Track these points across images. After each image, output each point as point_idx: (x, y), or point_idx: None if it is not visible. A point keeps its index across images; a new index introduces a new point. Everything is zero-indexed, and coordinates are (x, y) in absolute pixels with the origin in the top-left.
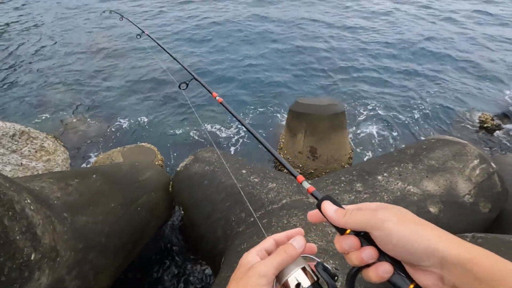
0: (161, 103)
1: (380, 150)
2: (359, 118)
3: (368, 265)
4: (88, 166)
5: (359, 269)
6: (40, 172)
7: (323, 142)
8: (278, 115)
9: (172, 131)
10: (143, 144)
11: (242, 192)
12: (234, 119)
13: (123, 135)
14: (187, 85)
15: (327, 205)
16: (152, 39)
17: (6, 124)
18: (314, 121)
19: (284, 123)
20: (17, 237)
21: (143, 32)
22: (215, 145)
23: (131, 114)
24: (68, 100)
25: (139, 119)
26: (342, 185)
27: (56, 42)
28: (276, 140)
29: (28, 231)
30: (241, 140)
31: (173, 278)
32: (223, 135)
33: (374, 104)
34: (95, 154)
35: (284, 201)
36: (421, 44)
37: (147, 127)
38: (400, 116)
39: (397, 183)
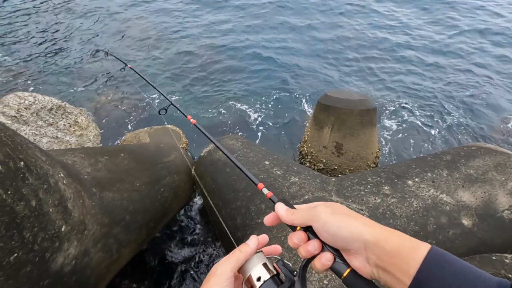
0: (191, 85)
1: (411, 152)
2: (390, 116)
3: (314, 257)
4: (116, 143)
5: (308, 260)
6: (73, 146)
7: (350, 138)
8: (305, 105)
9: (199, 115)
10: (169, 126)
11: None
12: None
13: (151, 115)
14: (166, 110)
15: (279, 206)
16: (135, 71)
17: (45, 98)
18: (342, 115)
19: (310, 114)
20: (50, 210)
21: (126, 65)
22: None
23: (160, 95)
24: (102, 79)
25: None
26: (369, 186)
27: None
28: (300, 132)
29: (60, 204)
30: (264, 131)
31: (189, 259)
32: (250, 120)
33: (407, 102)
34: (124, 132)
35: (306, 197)
36: (471, 39)
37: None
38: (436, 117)
39: (429, 190)
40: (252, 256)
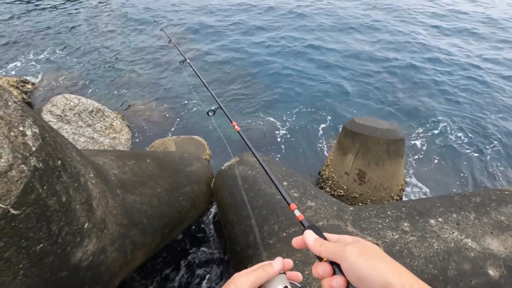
0: (227, 101)
1: (437, 189)
2: (419, 148)
3: None
4: (145, 149)
5: None
6: (105, 148)
7: (374, 167)
8: (333, 128)
9: (227, 130)
10: (195, 136)
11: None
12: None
13: (181, 124)
14: (214, 112)
15: (308, 234)
16: (192, 67)
17: (87, 101)
18: (368, 143)
19: (332, 138)
20: (77, 207)
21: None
22: (262, 151)
23: (191, 106)
24: (140, 86)
25: (197, 112)
26: (387, 220)
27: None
28: (321, 153)
29: (87, 202)
30: (288, 148)
31: (197, 268)
32: (275, 134)
33: (439, 134)
34: (153, 138)
35: (320, 223)
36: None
37: (203, 121)
38: (469, 155)
39: (453, 232)
40: (275, 277)
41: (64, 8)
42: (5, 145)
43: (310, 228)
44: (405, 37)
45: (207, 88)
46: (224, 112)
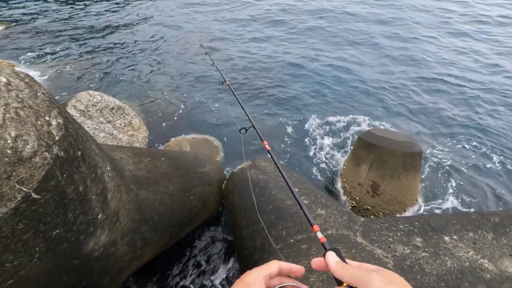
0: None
1: (454, 205)
2: (438, 162)
3: None
4: (160, 148)
5: None
6: (123, 144)
7: (389, 180)
8: (350, 138)
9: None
10: (210, 138)
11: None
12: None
13: (197, 125)
14: (246, 130)
15: (330, 256)
16: (230, 89)
17: (110, 98)
18: (383, 155)
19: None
20: (93, 197)
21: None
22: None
23: (209, 109)
24: (162, 85)
25: (216, 116)
26: (399, 234)
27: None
28: (335, 161)
29: (102, 194)
30: (303, 153)
31: (202, 270)
32: (289, 138)
33: (460, 148)
34: (169, 138)
35: (329, 232)
36: None
37: (220, 123)
38: (491, 171)
39: (468, 251)
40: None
41: (100, 11)
42: (31, 133)
43: (332, 250)
44: (436, 47)
45: (242, 107)
46: (257, 131)
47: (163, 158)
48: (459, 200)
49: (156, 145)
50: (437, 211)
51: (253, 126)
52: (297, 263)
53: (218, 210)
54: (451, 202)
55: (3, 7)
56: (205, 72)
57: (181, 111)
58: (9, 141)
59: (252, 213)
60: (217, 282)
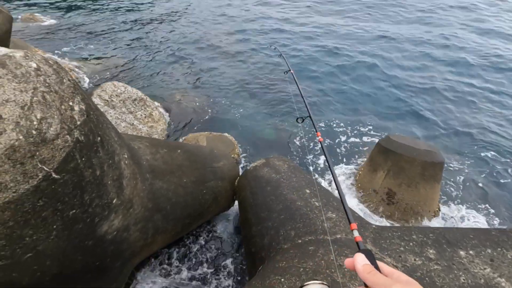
0: (266, 109)
1: (474, 220)
2: (460, 173)
3: None
4: (177, 140)
5: None
6: (143, 134)
7: (406, 189)
8: (368, 143)
9: (259, 134)
10: (227, 134)
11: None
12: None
13: (215, 121)
14: (303, 120)
15: (359, 258)
16: (294, 79)
17: (133, 90)
18: (402, 162)
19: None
20: (109, 182)
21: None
22: (289, 156)
23: (230, 108)
24: (184, 80)
25: (235, 113)
26: (411, 244)
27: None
28: (351, 164)
29: (118, 180)
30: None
31: (209, 263)
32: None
33: (485, 161)
34: (186, 132)
35: (338, 236)
36: None
37: (238, 120)
38: None
39: (485, 268)
40: None
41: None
42: (55, 116)
43: (363, 253)
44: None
45: (302, 98)
46: (312, 122)
47: (179, 151)
48: (480, 215)
49: (174, 138)
50: (454, 224)
51: (310, 117)
52: (303, 264)
53: (229, 206)
54: (470, 216)
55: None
56: (228, 72)
57: (202, 108)
58: (35, 123)
59: (262, 211)
60: (223, 275)
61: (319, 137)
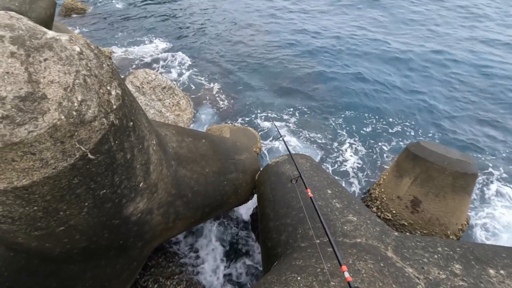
0: (294, 107)
1: (507, 238)
2: (494, 186)
3: None
4: (202, 130)
5: None
6: (169, 122)
7: (433, 198)
8: (393, 149)
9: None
10: (250, 128)
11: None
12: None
13: (241, 114)
14: (296, 180)
15: None
16: (285, 145)
17: (163, 78)
18: (431, 171)
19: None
20: (137, 166)
21: None
22: (313, 154)
23: (258, 102)
24: (216, 72)
25: (263, 109)
26: (436, 256)
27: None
28: (372, 168)
29: (145, 164)
30: (342, 156)
31: (224, 252)
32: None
33: None
34: (211, 123)
35: (358, 240)
36: None
37: (263, 115)
38: None
39: None
40: None
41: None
42: (94, 99)
43: None
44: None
45: (292, 160)
46: (303, 182)
47: (203, 140)
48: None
49: (198, 127)
50: (483, 241)
51: (301, 177)
52: (320, 265)
53: (248, 199)
54: (503, 234)
55: None
56: (262, 72)
57: (228, 100)
58: (75, 104)
59: (281, 207)
60: (235, 266)
61: (309, 193)
